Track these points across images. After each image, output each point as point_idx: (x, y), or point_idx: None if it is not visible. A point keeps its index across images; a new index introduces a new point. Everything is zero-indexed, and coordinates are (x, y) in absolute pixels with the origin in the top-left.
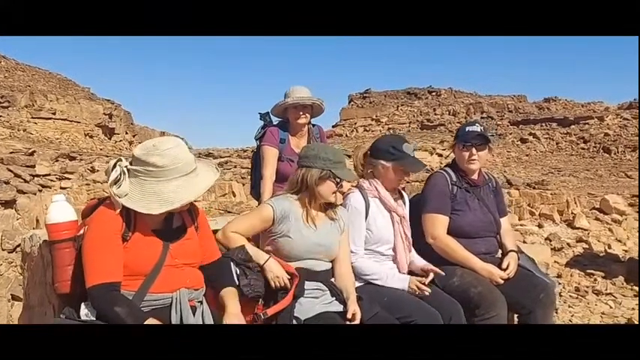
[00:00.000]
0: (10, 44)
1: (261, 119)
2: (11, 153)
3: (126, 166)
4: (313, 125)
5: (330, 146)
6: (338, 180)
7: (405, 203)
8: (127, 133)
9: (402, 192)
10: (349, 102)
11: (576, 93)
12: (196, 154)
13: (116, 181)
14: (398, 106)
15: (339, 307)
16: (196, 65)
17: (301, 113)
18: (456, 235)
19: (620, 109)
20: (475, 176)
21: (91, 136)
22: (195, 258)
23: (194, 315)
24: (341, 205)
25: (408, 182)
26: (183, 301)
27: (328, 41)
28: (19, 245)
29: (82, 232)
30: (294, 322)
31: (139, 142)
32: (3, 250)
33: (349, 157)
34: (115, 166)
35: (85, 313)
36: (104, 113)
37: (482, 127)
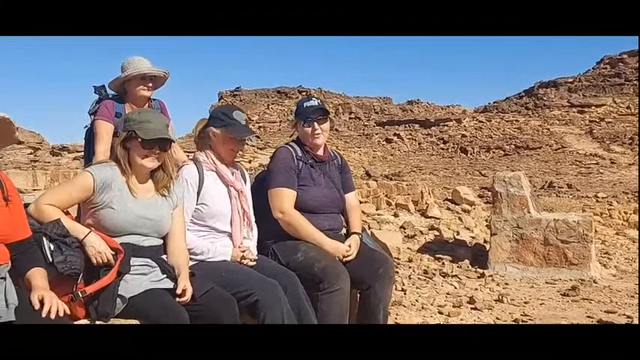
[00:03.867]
0: None
1: (95, 92)
2: None
3: None
4: (154, 99)
5: (147, 109)
6: (142, 140)
7: (245, 179)
8: None
9: (242, 168)
10: (219, 99)
11: (437, 96)
12: (49, 148)
13: None
14: (268, 105)
15: (170, 285)
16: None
17: (150, 85)
18: (300, 209)
19: (476, 112)
20: (320, 152)
21: None
22: (0, 231)
23: None
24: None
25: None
26: None
27: (197, 38)
28: None
29: None
30: (119, 300)
31: None
32: None
33: None
34: None
35: None
36: None
37: (319, 101)
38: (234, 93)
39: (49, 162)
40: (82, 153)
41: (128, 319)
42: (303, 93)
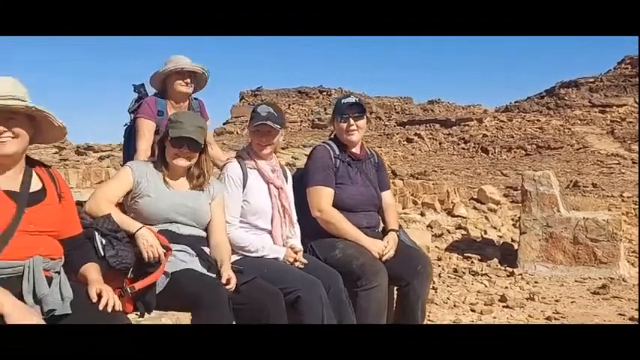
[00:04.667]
0: None
1: (135, 91)
2: None
3: None
4: (195, 99)
5: (185, 112)
6: (171, 139)
7: (286, 176)
8: None
9: (284, 166)
10: (240, 99)
11: (458, 96)
12: (74, 148)
13: None
14: (289, 105)
15: (213, 275)
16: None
17: (189, 81)
18: (338, 208)
19: (497, 111)
20: (357, 150)
21: None
22: (54, 226)
23: (50, 286)
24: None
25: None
26: (37, 270)
27: (218, 38)
28: None
29: None
30: (162, 275)
31: None
32: None
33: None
34: None
35: None
36: None
37: (357, 99)
38: (256, 93)
39: (77, 161)
40: (107, 152)
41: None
42: (324, 93)
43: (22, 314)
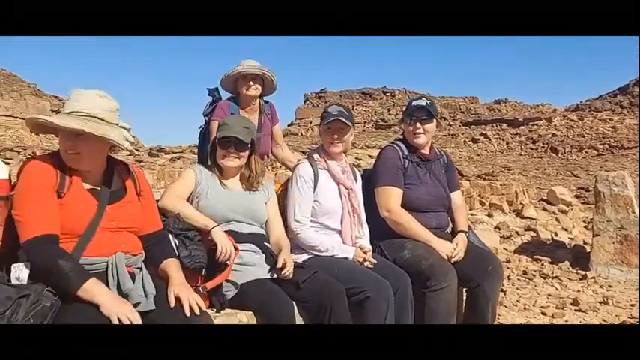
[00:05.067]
0: None
1: (209, 95)
2: None
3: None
4: (266, 102)
5: (237, 116)
6: (218, 140)
7: (355, 177)
8: None
9: (353, 167)
10: (305, 101)
11: (525, 95)
12: (147, 150)
13: None
14: (353, 106)
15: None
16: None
17: (251, 83)
18: (407, 208)
19: (567, 110)
20: (426, 151)
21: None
22: (134, 223)
23: (133, 282)
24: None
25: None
26: (119, 265)
27: (282, 39)
28: None
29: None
30: (232, 286)
31: None
32: None
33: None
34: None
35: (15, 276)
36: (51, 109)
37: (428, 102)
38: (320, 94)
39: (152, 162)
40: (177, 154)
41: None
42: (388, 94)
43: (117, 304)
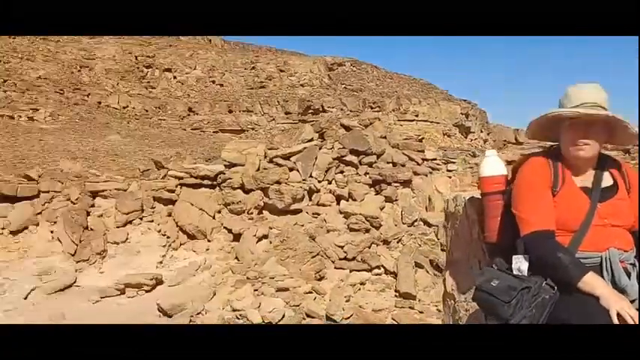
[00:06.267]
0: (380, 56)
1: None
2: (405, 140)
3: None
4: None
5: None
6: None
7: None
8: (481, 131)
9: None
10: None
11: None
12: None
13: None
14: None
15: None
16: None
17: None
18: None
19: None
20: None
21: (449, 135)
22: (624, 220)
23: (629, 278)
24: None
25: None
26: (613, 260)
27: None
28: (416, 220)
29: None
30: None
31: (494, 141)
32: (403, 223)
33: None
34: None
35: (517, 267)
36: (461, 113)
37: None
38: None
39: None
40: None
41: None
42: None
43: (617, 299)
